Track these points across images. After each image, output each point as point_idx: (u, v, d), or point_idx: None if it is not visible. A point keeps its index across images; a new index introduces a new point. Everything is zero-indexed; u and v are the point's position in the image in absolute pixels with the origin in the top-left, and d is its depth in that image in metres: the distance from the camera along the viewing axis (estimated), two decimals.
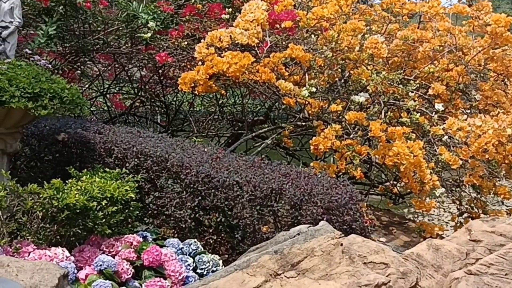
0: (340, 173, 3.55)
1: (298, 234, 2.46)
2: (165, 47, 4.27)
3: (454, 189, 3.97)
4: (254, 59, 3.69)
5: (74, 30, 4.62)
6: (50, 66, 3.13)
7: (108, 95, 5.84)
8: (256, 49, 3.83)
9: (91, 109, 5.90)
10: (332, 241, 2.30)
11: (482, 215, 3.76)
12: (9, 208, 2.47)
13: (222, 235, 3.24)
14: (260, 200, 2.93)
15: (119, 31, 4.66)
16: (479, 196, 3.64)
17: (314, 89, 3.53)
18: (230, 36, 3.46)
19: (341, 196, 2.82)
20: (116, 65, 5.35)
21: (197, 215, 3.05)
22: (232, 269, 2.35)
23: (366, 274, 2.08)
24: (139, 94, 5.37)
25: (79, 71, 5.31)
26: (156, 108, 5.53)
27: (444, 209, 4.71)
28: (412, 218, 4.16)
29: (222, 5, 4.49)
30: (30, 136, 3.58)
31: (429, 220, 4.17)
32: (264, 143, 4.24)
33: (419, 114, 3.56)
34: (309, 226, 2.54)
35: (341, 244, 2.29)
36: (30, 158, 3.63)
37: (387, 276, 2.12)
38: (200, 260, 2.83)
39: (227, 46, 3.55)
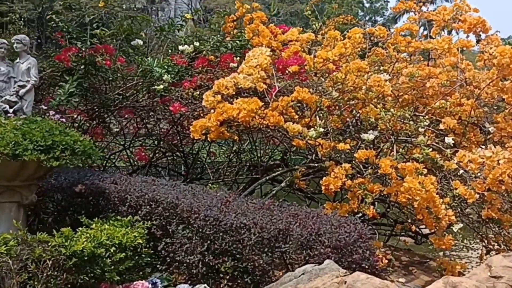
0: (355, 213, 3.50)
1: (303, 273, 2.42)
2: (179, 98, 4.41)
3: (478, 225, 3.83)
4: (263, 104, 3.76)
5: (95, 87, 4.85)
6: (64, 120, 3.29)
7: (132, 149, 6.01)
8: (266, 95, 3.92)
9: (119, 164, 6.08)
10: (336, 279, 2.25)
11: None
12: (20, 257, 2.53)
13: (238, 281, 3.21)
14: (268, 241, 2.90)
15: (137, 86, 4.86)
16: (500, 230, 3.50)
17: (321, 130, 3.55)
18: (234, 82, 3.56)
19: (349, 235, 2.77)
20: (138, 120, 5.55)
21: (207, 260, 3.04)
22: None
23: None
24: (159, 145, 5.51)
25: (102, 126, 5.51)
26: (176, 158, 5.64)
27: (464, 245, 4.52)
28: (433, 257, 4.01)
29: (233, 55, 4.65)
30: (50, 189, 3.72)
31: (451, 258, 4.00)
32: (279, 186, 4.23)
33: (431, 149, 3.51)
34: (315, 265, 2.49)
35: (345, 282, 2.24)
36: (51, 210, 3.74)
37: None
38: None
39: (233, 92, 3.64)
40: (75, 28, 4.78)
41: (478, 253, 4.38)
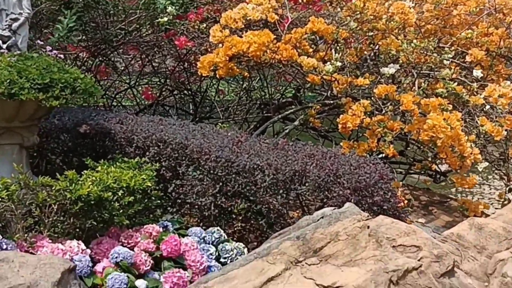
0: (373, 152, 3.33)
1: (322, 217, 2.28)
2: (184, 32, 4.14)
3: (501, 163, 3.66)
4: (275, 37, 3.50)
5: (96, 22, 4.57)
6: (62, 56, 3.07)
7: (138, 87, 5.80)
8: (278, 27, 3.65)
9: (125, 103, 5.91)
10: (358, 224, 2.11)
11: None
12: (23, 202, 2.41)
13: (251, 221, 3.11)
14: (283, 183, 2.76)
15: (140, 19, 4.57)
16: None
17: (339, 64, 3.31)
18: (243, 14, 3.28)
19: (370, 176, 2.61)
20: (143, 56, 5.30)
21: (219, 202, 2.92)
22: (252, 257, 2.20)
23: (394, 258, 1.88)
24: (166, 83, 5.29)
25: (106, 64, 5.29)
26: (184, 97, 5.44)
27: (489, 185, 4.38)
28: (453, 197, 3.87)
29: None
30: (54, 130, 3.57)
31: (472, 198, 3.86)
32: (292, 125, 4.05)
33: (455, 83, 3.27)
34: (334, 209, 2.35)
35: (368, 227, 2.10)
36: (56, 152, 3.61)
37: (418, 260, 1.91)
38: (223, 249, 2.70)
39: (242, 26, 3.37)
40: None
41: (495, 190, 4.24)
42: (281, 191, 2.78)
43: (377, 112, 3.41)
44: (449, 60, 3.41)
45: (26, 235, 2.36)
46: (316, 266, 1.96)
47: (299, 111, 4.20)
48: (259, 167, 2.79)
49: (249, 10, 3.29)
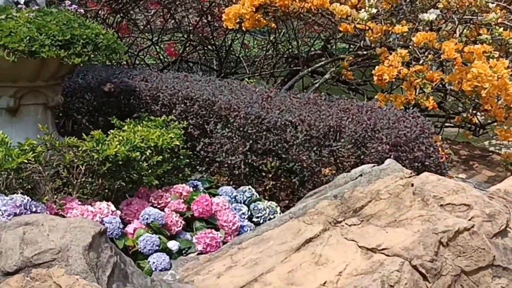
0: (410, 105, 3.15)
1: (361, 175, 2.15)
2: None
3: None
4: None
5: None
6: (82, 11, 2.93)
7: (161, 44, 5.66)
8: None
9: (148, 61, 5.78)
10: (400, 182, 1.97)
11: None
12: (51, 163, 2.35)
13: (282, 179, 3.01)
14: (317, 140, 2.63)
15: None
16: None
17: (374, 10, 3.08)
18: None
19: (410, 130, 2.45)
20: (164, 11, 5.12)
21: (250, 161, 2.82)
22: (287, 217, 2.10)
23: (443, 218, 1.75)
24: (189, 39, 5.12)
25: (127, 20, 5.14)
26: (208, 52, 5.27)
27: None
28: (496, 150, 3.68)
29: None
30: (78, 89, 3.49)
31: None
32: (323, 78, 3.87)
33: (502, 28, 3.02)
34: (373, 166, 2.21)
35: (412, 185, 1.96)
36: (82, 111, 3.55)
37: (469, 219, 1.77)
38: (256, 208, 2.62)
39: None
40: None
41: None
42: (314, 148, 2.65)
43: (414, 62, 3.20)
44: (494, 3, 3.14)
45: (55, 196, 2.31)
46: (357, 226, 1.85)
47: (329, 63, 4.01)
48: (291, 123, 2.66)
49: None
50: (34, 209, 2.08)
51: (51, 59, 2.48)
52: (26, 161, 2.20)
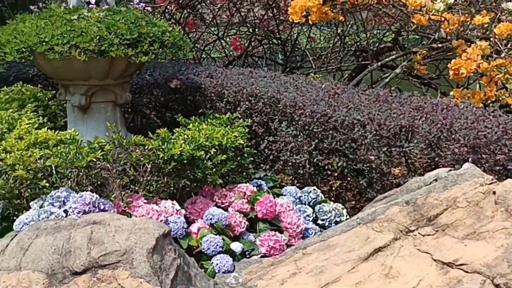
0: (489, 102, 2.92)
1: (436, 180, 2.00)
2: None
3: None
4: None
5: None
6: (149, 9, 2.96)
7: (226, 38, 5.66)
8: None
9: (214, 55, 5.81)
10: (480, 189, 1.81)
11: None
12: (119, 161, 2.40)
13: (348, 179, 2.90)
14: (387, 140, 2.49)
15: None
16: None
17: (451, 0, 2.87)
18: None
19: (491, 130, 2.25)
20: (230, 5, 5.10)
21: (315, 160, 2.73)
22: (354, 223, 2.00)
23: None
24: (254, 33, 5.08)
25: (194, 16, 5.17)
26: (273, 46, 5.20)
27: None
28: None
29: None
30: (146, 86, 3.55)
31: None
32: (393, 72, 3.68)
33: None
34: (450, 170, 2.05)
35: (494, 193, 1.79)
36: (150, 107, 3.62)
37: None
38: (321, 210, 2.53)
39: None
40: None
41: None
42: (384, 149, 2.52)
43: (495, 56, 2.95)
44: None
45: (122, 193, 2.35)
46: (431, 237, 1.72)
47: (400, 57, 3.80)
48: (360, 122, 2.54)
49: None
50: (102, 207, 2.12)
51: (119, 57, 2.52)
52: (95, 159, 2.24)
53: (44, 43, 2.40)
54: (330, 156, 2.73)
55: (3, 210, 2.24)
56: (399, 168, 2.73)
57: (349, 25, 4.76)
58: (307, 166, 2.77)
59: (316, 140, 2.68)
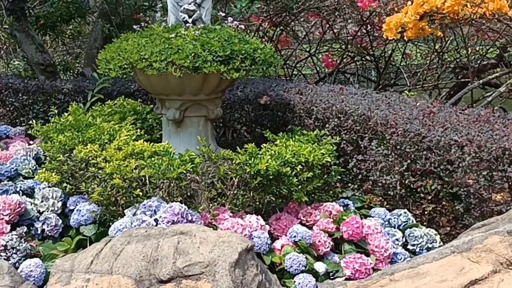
0: None
1: None
2: None
3: None
4: None
5: None
6: (242, 27, 3.03)
7: (318, 55, 5.65)
8: None
9: (305, 72, 5.83)
10: None
11: None
12: (208, 174, 2.46)
13: (443, 203, 2.74)
14: (488, 163, 2.31)
15: None
16: None
17: None
18: None
19: None
20: (323, 22, 5.10)
21: (407, 181, 2.60)
22: (448, 251, 1.87)
23: None
24: (347, 49, 5.01)
25: (286, 33, 5.23)
26: (366, 63, 5.09)
27: None
28: None
29: None
30: (237, 101, 3.63)
31: None
32: (497, 91, 3.43)
33: None
34: None
35: None
36: (240, 122, 3.69)
37: None
38: (411, 235, 2.40)
39: None
40: None
41: None
42: (484, 172, 2.33)
43: None
44: None
45: (209, 206, 2.40)
46: None
47: (505, 74, 3.54)
48: (457, 143, 2.38)
49: None
50: (190, 218, 2.19)
51: (212, 74, 2.60)
52: (185, 171, 2.32)
53: (144, 60, 2.54)
54: (424, 178, 2.59)
55: (100, 216, 2.39)
56: (501, 194, 2.52)
57: (448, 41, 4.53)
58: (398, 187, 2.64)
59: (409, 161, 2.56)
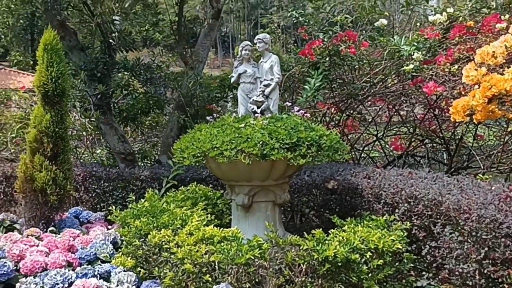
0: None
1: None
2: (433, 77, 3.83)
3: None
4: None
5: (341, 78, 4.66)
6: (308, 115, 3.15)
7: (386, 138, 5.64)
8: None
9: (373, 155, 5.81)
10: None
11: None
12: (275, 260, 2.47)
13: None
14: None
15: (385, 70, 4.47)
16: None
17: None
18: (505, 46, 2.81)
19: None
20: (389, 106, 5.15)
21: (486, 271, 2.45)
22: None
23: None
24: (415, 133, 4.97)
25: (352, 117, 5.32)
26: (436, 146, 5.00)
27: None
28: None
29: (499, 15, 3.78)
30: (304, 186, 3.68)
31: None
32: None
33: None
34: None
35: None
36: (309, 206, 3.71)
37: None
38: None
39: (503, 61, 2.89)
40: (316, 20, 4.69)
41: None
42: None
43: None
44: None
45: None
46: None
47: None
48: None
49: None
50: None
51: (279, 160, 2.70)
52: (253, 257, 2.35)
53: (215, 149, 2.70)
54: (505, 267, 2.43)
55: None
56: None
57: None
58: (477, 277, 2.49)
59: (486, 248, 2.43)
